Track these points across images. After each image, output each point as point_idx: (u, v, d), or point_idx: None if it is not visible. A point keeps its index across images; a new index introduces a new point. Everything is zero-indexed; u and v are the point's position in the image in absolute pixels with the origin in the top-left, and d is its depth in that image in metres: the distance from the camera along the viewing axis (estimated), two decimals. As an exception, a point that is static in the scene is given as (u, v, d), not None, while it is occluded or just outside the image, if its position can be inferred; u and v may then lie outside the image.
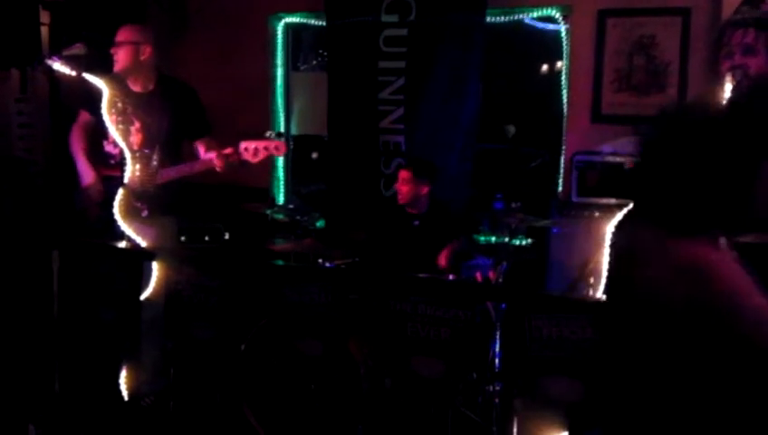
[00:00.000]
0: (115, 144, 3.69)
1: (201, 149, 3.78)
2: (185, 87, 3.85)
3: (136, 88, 3.69)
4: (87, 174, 3.69)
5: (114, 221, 3.55)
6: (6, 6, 4.83)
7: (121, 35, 3.67)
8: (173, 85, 3.80)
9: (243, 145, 3.54)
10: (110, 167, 3.72)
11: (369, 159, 5.13)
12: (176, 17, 5.70)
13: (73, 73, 3.67)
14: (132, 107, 3.61)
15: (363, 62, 5.07)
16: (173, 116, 3.65)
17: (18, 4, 4.89)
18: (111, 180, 3.67)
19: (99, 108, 3.65)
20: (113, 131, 3.59)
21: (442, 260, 3.98)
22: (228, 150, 3.57)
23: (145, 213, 3.54)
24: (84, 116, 3.82)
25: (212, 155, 3.59)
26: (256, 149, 3.53)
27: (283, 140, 3.59)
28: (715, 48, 2.78)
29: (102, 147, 3.76)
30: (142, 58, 3.67)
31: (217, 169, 3.58)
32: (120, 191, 3.52)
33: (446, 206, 4.39)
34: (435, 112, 4.91)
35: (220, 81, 5.46)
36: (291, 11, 5.60)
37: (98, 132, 3.75)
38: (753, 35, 2.71)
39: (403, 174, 4.22)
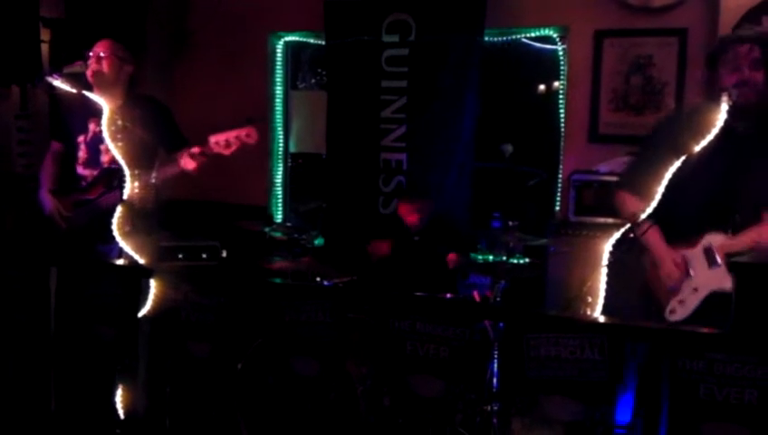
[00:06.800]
0: (85, 166, 3.72)
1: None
2: (153, 101, 3.85)
3: (107, 103, 3.68)
4: (46, 202, 3.72)
5: (91, 242, 3.58)
6: (7, 24, 4.85)
7: (107, 47, 3.67)
8: (142, 101, 3.79)
9: (212, 139, 3.45)
10: (81, 190, 3.73)
11: (368, 177, 5.14)
12: (175, 36, 5.73)
13: (74, 91, 3.67)
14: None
15: (365, 81, 5.10)
16: (143, 129, 3.64)
17: (19, 22, 4.92)
18: (83, 205, 3.69)
19: (81, 128, 3.69)
20: (112, 148, 3.60)
21: (452, 255, 4.04)
22: (196, 149, 3.49)
23: (128, 227, 3.54)
24: (55, 145, 3.85)
25: (180, 156, 3.53)
26: (227, 141, 3.43)
27: (252, 126, 3.49)
28: (715, 62, 2.80)
29: (75, 171, 3.77)
30: (122, 75, 3.69)
31: (191, 169, 3.51)
32: (119, 208, 3.53)
33: (446, 220, 4.43)
34: (435, 131, 4.95)
35: (220, 99, 5.49)
36: (290, 30, 5.64)
37: (69, 157, 3.78)
38: (759, 50, 2.72)
39: (408, 207, 4.26)
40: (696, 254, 2.77)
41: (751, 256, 2.53)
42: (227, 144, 3.43)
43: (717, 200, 2.78)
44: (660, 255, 2.83)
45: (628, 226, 2.86)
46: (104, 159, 3.67)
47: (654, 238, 2.85)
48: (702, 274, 2.74)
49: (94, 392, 3.07)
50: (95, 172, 3.70)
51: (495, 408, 3.32)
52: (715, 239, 2.74)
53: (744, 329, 2.15)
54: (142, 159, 3.64)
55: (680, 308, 2.75)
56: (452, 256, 4.06)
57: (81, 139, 3.74)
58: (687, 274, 2.76)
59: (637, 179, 2.89)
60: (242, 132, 3.44)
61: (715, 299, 2.71)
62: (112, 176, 3.61)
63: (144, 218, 3.61)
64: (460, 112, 4.92)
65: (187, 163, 3.50)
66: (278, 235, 4.58)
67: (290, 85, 5.87)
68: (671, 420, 2.06)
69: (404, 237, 4.26)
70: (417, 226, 4.25)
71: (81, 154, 3.74)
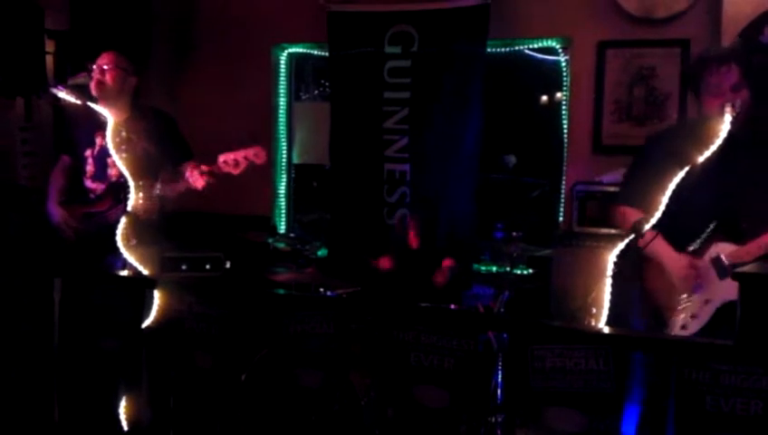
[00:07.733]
0: (93, 179, 3.74)
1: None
2: (160, 113, 3.85)
3: (112, 115, 3.68)
4: (54, 213, 3.74)
5: (101, 254, 3.58)
6: (12, 35, 4.88)
7: (111, 59, 3.68)
8: (147, 113, 3.79)
9: (221, 158, 3.46)
10: (89, 203, 3.74)
11: (372, 188, 5.15)
12: (180, 47, 5.76)
13: (79, 102, 3.69)
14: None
15: (368, 92, 5.12)
16: (149, 141, 3.65)
17: (24, 34, 4.94)
18: (92, 217, 3.71)
19: (88, 142, 3.70)
20: (116, 159, 3.61)
21: (439, 278, 4.03)
22: (205, 167, 3.50)
23: (133, 242, 3.54)
24: (65, 160, 3.87)
25: (185, 171, 3.54)
26: (236, 160, 3.45)
27: (260, 144, 3.51)
28: (698, 87, 2.81)
29: (82, 184, 3.79)
30: (126, 87, 3.70)
31: (198, 188, 3.52)
32: (123, 220, 3.54)
33: (450, 231, 4.44)
34: (438, 142, 4.97)
35: (224, 110, 5.51)
36: (294, 41, 5.66)
37: (77, 170, 3.80)
38: (737, 73, 2.73)
39: (413, 223, 4.29)
40: (703, 265, 2.75)
41: (756, 265, 2.52)
42: (236, 163, 3.45)
43: (722, 210, 2.78)
44: (671, 261, 2.81)
45: (632, 236, 2.83)
46: (111, 172, 3.69)
47: (661, 246, 2.82)
48: (713, 285, 2.72)
49: (98, 403, 3.07)
50: (103, 186, 3.72)
51: (500, 419, 3.31)
52: (724, 249, 2.73)
53: (749, 340, 2.15)
54: (147, 170, 3.65)
55: (693, 323, 2.73)
56: (440, 277, 4.05)
57: (88, 153, 3.76)
58: (698, 286, 2.74)
59: (637, 193, 2.86)
60: (250, 152, 3.47)
61: (725, 312, 2.69)
62: (120, 190, 3.62)
63: (148, 229, 3.61)
64: (463, 123, 4.93)
65: (197, 181, 3.52)
66: (282, 246, 4.59)
67: (293, 96, 5.89)
68: (678, 431, 2.05)
69: (406, 251, 4.28)
70: (414, 244, 4.28)
71: (89, 168, 3.76)
